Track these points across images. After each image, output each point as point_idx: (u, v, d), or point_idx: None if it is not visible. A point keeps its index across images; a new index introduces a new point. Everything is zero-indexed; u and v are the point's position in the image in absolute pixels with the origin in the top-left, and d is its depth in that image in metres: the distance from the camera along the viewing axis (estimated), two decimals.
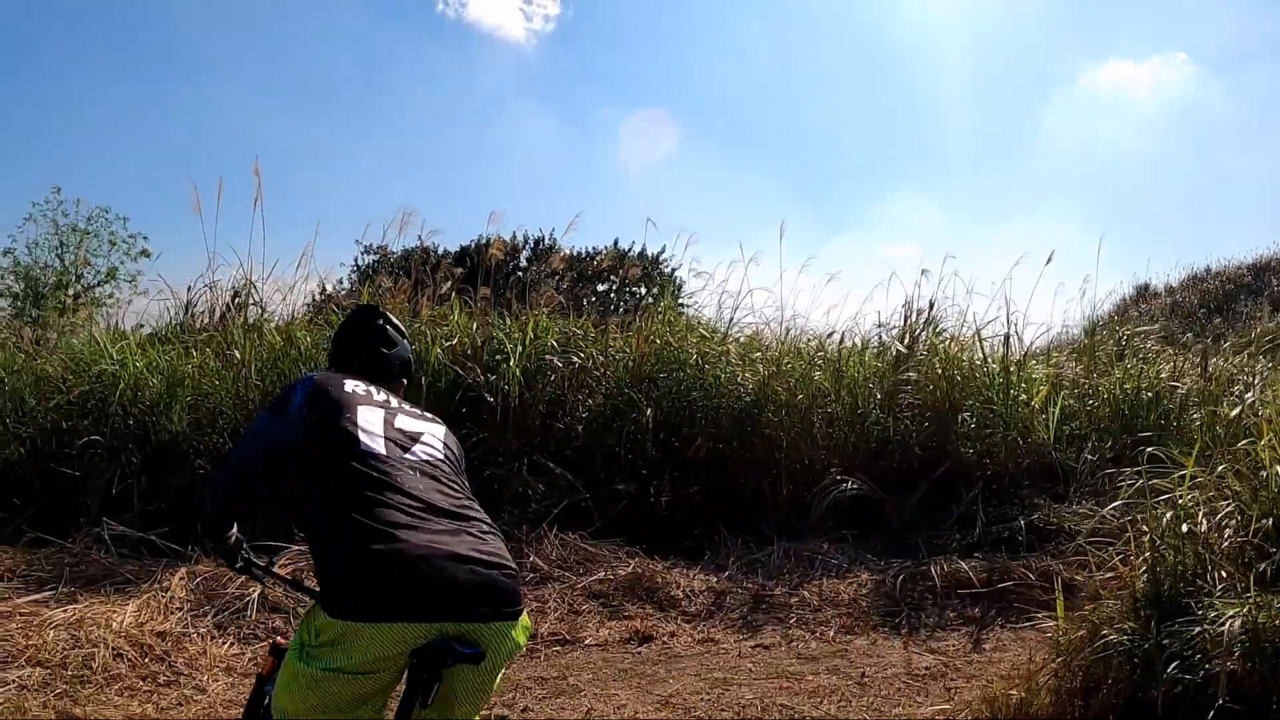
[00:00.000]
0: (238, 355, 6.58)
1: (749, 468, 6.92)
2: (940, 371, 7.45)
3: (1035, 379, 7.76)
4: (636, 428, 6.85)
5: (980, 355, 7.81)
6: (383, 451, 2.14)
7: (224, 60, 36.65)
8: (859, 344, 7.90)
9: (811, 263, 8.84)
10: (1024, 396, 7.49)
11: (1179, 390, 7.89)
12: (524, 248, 15.13)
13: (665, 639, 4.98)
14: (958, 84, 41.00)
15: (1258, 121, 45.00)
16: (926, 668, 4.57)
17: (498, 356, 6.73)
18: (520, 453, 6.36)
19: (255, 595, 4.77)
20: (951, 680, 4.41)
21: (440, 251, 11.68)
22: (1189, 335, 13.88)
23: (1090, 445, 7.28)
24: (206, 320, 7.44)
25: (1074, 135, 44.74)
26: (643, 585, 5.51)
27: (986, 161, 49.08)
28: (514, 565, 2.12)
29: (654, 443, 6.81)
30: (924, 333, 8.08)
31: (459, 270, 9.28)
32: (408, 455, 2.19)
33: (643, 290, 14.28)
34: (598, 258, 14.86)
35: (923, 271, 8.14)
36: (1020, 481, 7.06)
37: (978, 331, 8.03)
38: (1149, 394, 7.74)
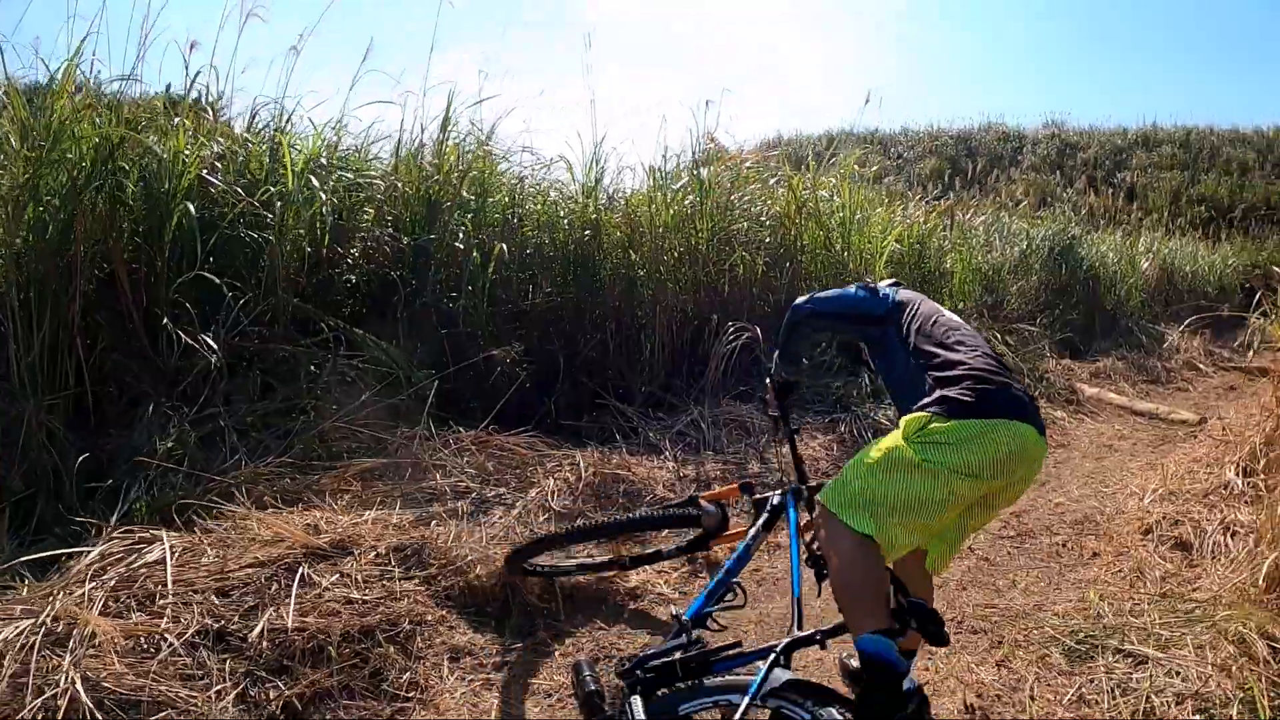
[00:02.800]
0: None
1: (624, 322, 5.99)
2: (796, 206, 6.78)
3: (872, 221, 7.63)
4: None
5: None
6: None
7: None
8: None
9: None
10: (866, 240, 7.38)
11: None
12: None
13: None
14: None
15: None
16: None
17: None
18: (307, 317, 4.66)
19: None
20: None
21: None
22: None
23: None
24: None
25: None
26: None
27: None
28: None
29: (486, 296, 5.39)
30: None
31: None
32: None
33: None
34: None
35: (707, 102, 7.16)
36: None
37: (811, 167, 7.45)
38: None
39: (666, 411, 5.54)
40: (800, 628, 2.23)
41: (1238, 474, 4.42)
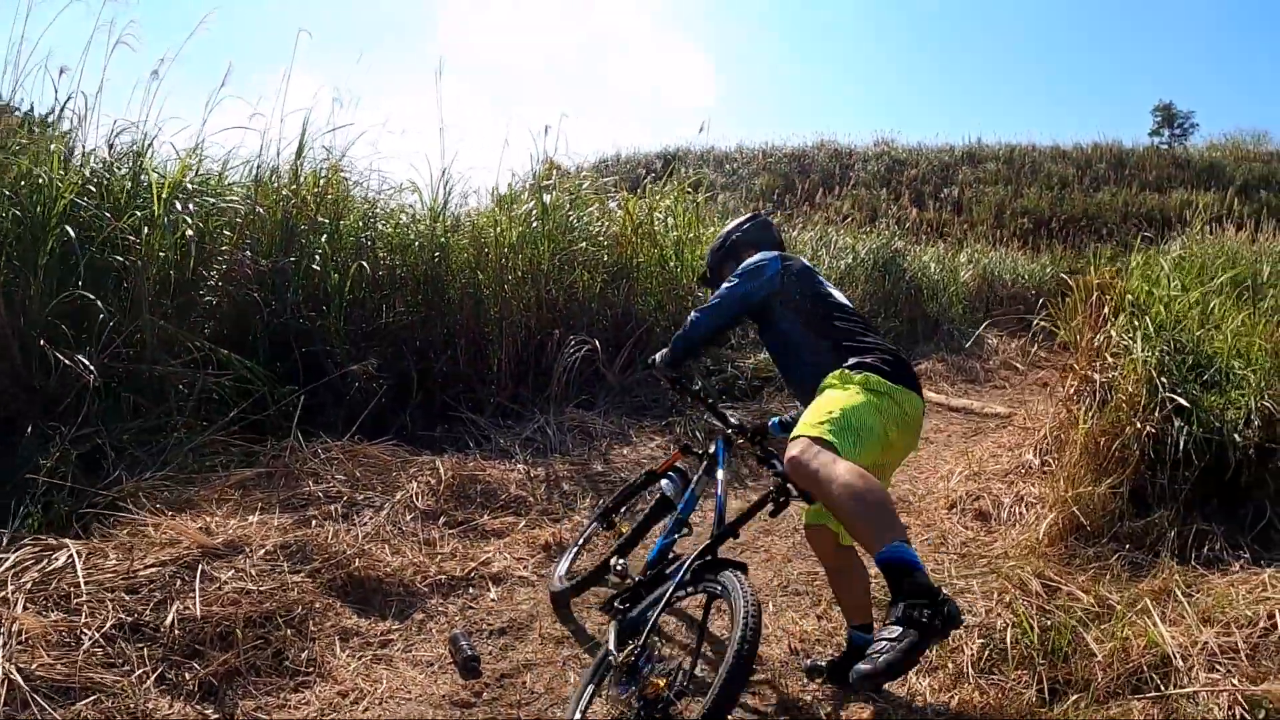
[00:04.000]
0: None
1: (472, 338, 6.54)
2: (633, 227, 7.51)
3: (705, 239, 8.18)
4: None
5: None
6: None
7: None
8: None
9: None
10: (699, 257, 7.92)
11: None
12: None
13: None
14: None
15: None
16: None
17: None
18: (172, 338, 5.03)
19: None
20: None
21: None
22: None
23: None
24: None
25: None
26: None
27: None
28: None
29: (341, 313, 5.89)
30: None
31: None
32: None
33: None
34: None
35: (546, 128, 7.79)
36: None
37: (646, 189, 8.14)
38: None
39: (515, 420, 6.15)
40: (719, 527, 2.98)
41: (1035, 455, 5.32)
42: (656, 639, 2.72)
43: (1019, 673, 3.11)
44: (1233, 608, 3.16)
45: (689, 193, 8.68)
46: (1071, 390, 5.11)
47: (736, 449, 3.50)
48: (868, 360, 2.90)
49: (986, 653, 3.21)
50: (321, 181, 6.15)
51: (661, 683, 2.45)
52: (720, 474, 3.29)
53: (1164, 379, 4.34)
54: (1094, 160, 26.37)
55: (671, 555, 3.24)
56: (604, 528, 4.15)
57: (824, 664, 3.19)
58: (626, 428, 6.31)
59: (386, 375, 5.81)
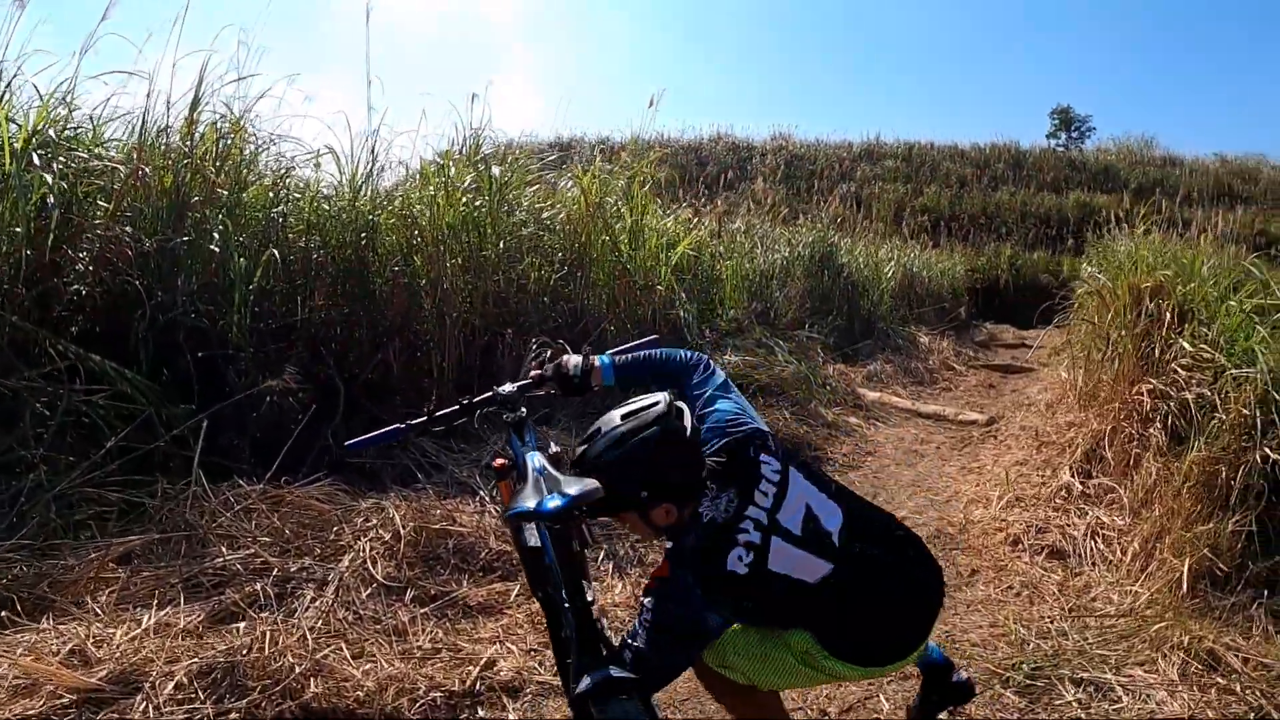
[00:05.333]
0: None
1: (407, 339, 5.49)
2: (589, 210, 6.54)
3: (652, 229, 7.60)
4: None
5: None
6: None
7: None
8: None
9: None
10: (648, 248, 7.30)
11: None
12: None
13: None
14: None
15: None
16: None
17: None
18: (28, 339, 3.78)
19: None
20: None
21: None
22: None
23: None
24: None
25: None
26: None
27: None
28: None
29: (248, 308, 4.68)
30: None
31: None
32: None
33: None
34: None
35: (474, 95, 6.74)
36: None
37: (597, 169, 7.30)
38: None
39: (466, 441, 5.10)
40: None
41: (1074, 476, 4.81)
42: None
43: None
44: None
45: (645, 173, 7.72)
46: (1146, 408, 4.55)
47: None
48: None
49: None
50: (224, 142, 4.92)
51: None
52: (534, 466, 2.26)
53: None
54: (992, 160, 27.16)
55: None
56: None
57: None
58: None
59: (305, 386, 4.68)
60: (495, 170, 6.00)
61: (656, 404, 2.09)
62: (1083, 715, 2.88)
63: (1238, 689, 2.88)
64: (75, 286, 4.16)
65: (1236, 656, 3.06)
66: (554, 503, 1.91)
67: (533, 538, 2.33)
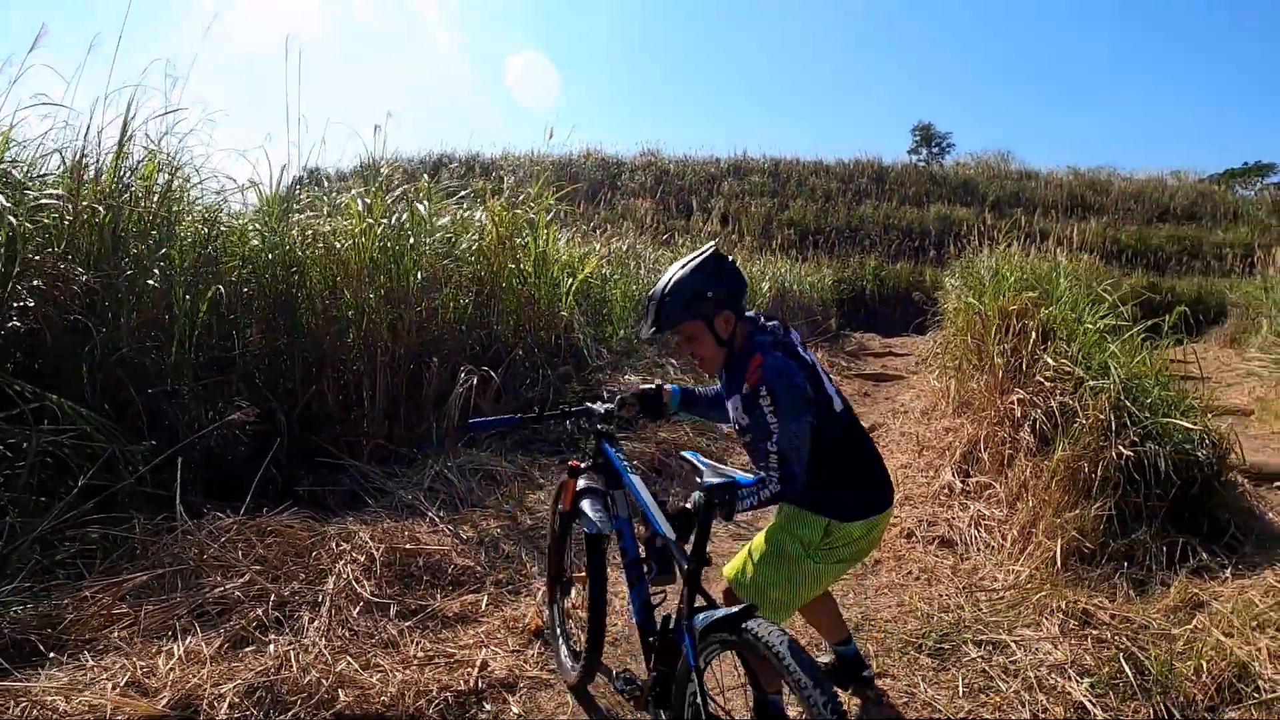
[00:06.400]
0: None
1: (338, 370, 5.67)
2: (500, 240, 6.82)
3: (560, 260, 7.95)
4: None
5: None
6: None
7: None
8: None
9: None
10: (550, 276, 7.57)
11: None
12: None
13: None
14: None
15: None
16: None
17: None
18: None
19: None
20: None
21: None
22: None
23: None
24: None
25: None
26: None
27: None
28: None
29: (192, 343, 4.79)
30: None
31: None
32: None
33: None
34: None
35: (376, 127, 7.03)
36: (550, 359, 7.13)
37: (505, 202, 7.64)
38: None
39: (403, 465, 5.35)
40: (684, 559, 2.39)
41: (955, 476, 5.48)
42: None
43: (1131, 704, 3.13)
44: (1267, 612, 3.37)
45: (554, 203, 8.02)
46: (1017, 414, 5.23)
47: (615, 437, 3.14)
48: None
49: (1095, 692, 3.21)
50: (160, 176, 4.99)
51: None
52: (633, 479, 2.81)
53: (1129, 402, 4.59)
54: (856, 175, 28.43)
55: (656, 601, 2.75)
56: (565, 595, 3.57)
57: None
58: (527, 467, 5.71)
59: (247, 419, 4.80)
60: (421, 207, 6.21)
61: (709, 246, 2.71)
62: (986, 668, 3.45)
63: (1108, 637, 3.51)
64: (14, 323, 4.17)
65: (1105, 614, 3.70)
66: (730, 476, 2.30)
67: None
